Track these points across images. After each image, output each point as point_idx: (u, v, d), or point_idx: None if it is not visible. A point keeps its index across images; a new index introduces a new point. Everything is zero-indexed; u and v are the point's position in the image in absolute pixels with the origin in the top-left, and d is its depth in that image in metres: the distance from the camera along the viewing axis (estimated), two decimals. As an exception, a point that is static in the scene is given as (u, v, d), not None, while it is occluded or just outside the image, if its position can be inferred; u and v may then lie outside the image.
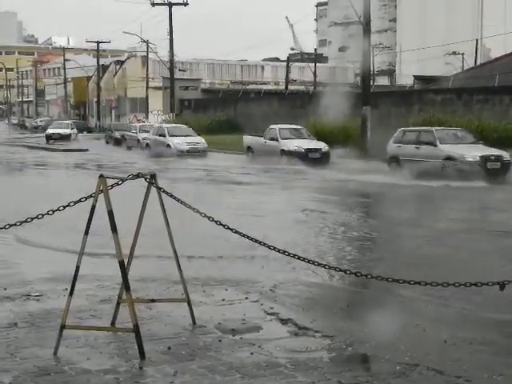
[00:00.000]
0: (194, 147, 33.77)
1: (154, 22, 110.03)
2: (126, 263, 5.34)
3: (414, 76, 52.57)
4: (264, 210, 14.42)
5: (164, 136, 34.81)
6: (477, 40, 61.98)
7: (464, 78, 39.72)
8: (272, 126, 30.54)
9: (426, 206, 16.17)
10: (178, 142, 33.84)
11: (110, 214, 5.16)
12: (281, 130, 29.77)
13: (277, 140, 29.09)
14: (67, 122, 57.62)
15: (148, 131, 39.15)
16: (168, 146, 33.90)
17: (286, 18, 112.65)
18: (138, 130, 41.21)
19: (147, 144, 36.61)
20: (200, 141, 34.46)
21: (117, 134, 45.06)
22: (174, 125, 38.40)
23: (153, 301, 6.39)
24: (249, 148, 31.24)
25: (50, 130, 51.50)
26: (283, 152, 28.30)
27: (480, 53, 61.68)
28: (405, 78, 63.55)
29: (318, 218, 13.61)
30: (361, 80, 29.52)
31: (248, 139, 31.72)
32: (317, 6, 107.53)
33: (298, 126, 30.96)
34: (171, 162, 29.88)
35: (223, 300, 6.86)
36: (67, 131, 51.09)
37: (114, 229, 5.14)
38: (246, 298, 6.97)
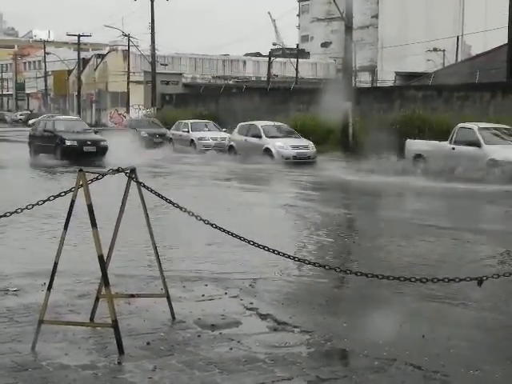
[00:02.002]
0: (303, 152, 26.73)
1: (135, 16, 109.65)
2: (105, 258, 5.33)
3: (395, 72, 52.73)
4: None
5: (259, 137, 27.60)
6: (458, 37, 62.30)
7: (445, 75, 39.92)
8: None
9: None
10: (282, 146, 26.62)
11: (90, 208, 5.14)
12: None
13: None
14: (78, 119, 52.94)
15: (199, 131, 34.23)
16: (267, 150, 26.78)
17: (269, 13, 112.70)
18: (190, 128, 34.41)
19: (231, 147, 29.48)
20: (308, 144, 27.26)
21: (143, 133, 37.06)
22: (269, 122, 29.62)
23: (132, 296, 6.38)
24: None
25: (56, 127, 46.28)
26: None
27: (461, 49, 62.02)
28: (386, 75, 63.74)
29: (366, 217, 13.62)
30: (342, 76, 29.54)
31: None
32: (299, 2, 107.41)
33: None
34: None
35: (203, 295, 6.86)
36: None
37: (93, 223, 5.12)
38: (226, 293, 6.98)
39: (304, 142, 27.36)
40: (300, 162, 25.83)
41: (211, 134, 33.20)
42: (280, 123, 29.58)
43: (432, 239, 10.70)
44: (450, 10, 71.55)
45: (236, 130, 29.81)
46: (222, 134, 32.89)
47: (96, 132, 29.87)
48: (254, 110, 41.59)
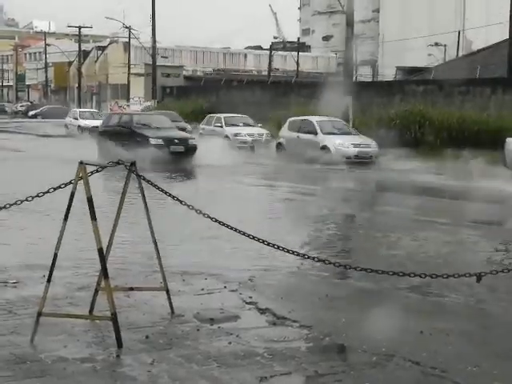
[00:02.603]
0: (365, 151, 24.25)
1: (136, 8, 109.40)
2: (104, 251, 5.32)
3: (396, 67, 52.71)
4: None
5: (314, 133, 25.20)
6: (459, 32, 62.25)
7: (446, 70, 39.88)
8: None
9: None
10: (342, 144, 24.25)
11: (90, 201, 5.14)
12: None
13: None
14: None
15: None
16: (323, 148, 24.43)
17: (270, 6, 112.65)
18: (224, 123, 31.65)
19: (279, 144, 26.87)
20: (370, 142, 24.74)
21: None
22: (324, 117, 26.78)
23: (131, 289, 6.38)
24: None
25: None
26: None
27: (462, 44, 61.97)
28: (387, 69, 63.68)
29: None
30: (343, 70, 29.50)
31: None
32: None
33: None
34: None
35: (202, 289, 6.85)
36: None
37: (93, 216, 5.11)
38: (225, 287, 6.98)
39: (366, 139, 24.84)
40: (362, 161, 23.57)
41: (248, 130, 30.61)
42: (335, 118, 26.78)
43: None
44: (451, 5, 71.44)
45: (285, 125, 27.15)
46: (258, 130, 30.80)
47: (182, 128, 26.54)
48: (255, 103, 41.55)
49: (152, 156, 20.58)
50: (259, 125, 31.68)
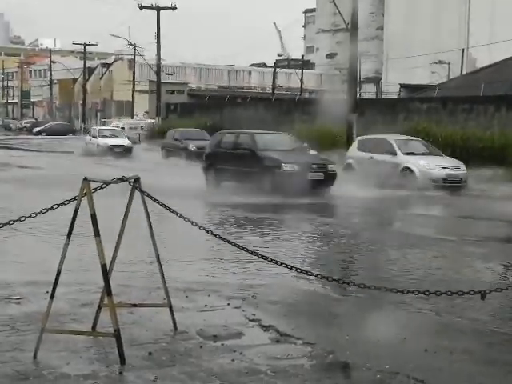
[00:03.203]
0: (454, 174, 21.50)
1: (141, 25, 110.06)
2: (108, 267, 5.33)
3: (400, 84, 52.77)
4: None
5: (392, 154, 22.15)
6: (463, 49, 62.39)
7: (450, 87, 39.94)
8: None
9: None
10: (427, 165, 21.41)
11: (93, 217, 5.15)
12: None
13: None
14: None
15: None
16: (405, 170, 21.49)
17: (274, 23, 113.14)
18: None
19: (348, 166, 23.46)
20: (458, 164, 22.10)
21: (191, 146, 32.83)
22: (401, 136, 24.06)
23: (134, 305, 6.37)
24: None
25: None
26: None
27: (466, 62, 62.09)
28: (391, 86, 63.83)
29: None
30: (347, 87, 29.56)
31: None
32: (305, 13, 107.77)
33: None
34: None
35: (205, 306, 6.84)
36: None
37: (96, 232, 5.12)
38: (228, 304, 6.96)
39: (453, 161, 22.43)
40: (451, 185, 20.96)
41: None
42: (415, 138, 24.20)
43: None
44: (455, 23, 71.68)
45: (354, 144, 24.38)
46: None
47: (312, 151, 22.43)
48: (259, 120, 41.60)
49: (285, 185, 17.41)
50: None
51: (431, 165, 21.34)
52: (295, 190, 17.07)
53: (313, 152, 22.08)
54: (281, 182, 17.84)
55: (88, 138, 40.89)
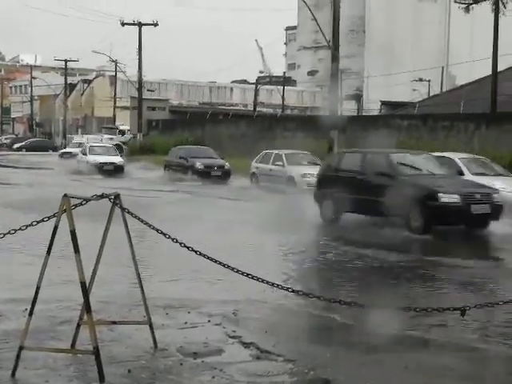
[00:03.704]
0: None
1: (123, 42, 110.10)
2: (88, 284, 5.30)
3: (380, 101, 53.15)
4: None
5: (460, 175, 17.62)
6: (442, 67, 62.99)
7: (430, 105, 40.28)
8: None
9: None
10: (504, 188, 16.68)
11: (73, 234, 5.13)
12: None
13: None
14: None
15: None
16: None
17: (256, 41, 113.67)
18: (286, 162, 26.25)
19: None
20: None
21: (198, 165, 30.65)
22: (463, 154, 20.23)
23: (114, 323, 6.34)
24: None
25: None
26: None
27: (446, 80, 62.68)
28: (372, 104, 64.26)
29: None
30: (329, 104, 29.69)
31: None
32: (286, 30, 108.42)
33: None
34: None
35: (185, 323, 6.82)
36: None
37: (76, 249, 5.10)
38: (209, 320, 6.94)
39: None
40: None
41: (315, 170, 22.80)
42: (479, 156, 20.69)
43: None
44: (435, 41, 72.42)
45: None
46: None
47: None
48: (240, 136, 41.72)
49: (442, 221, 14.35)
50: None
51: (508, 188, 17.15)
52: (455, 226, 14.53)
53: (467, 177, 17.31)
54: (436, 216, 14.14)
55: (80, 156, 38.33)
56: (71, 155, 44.55)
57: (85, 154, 37.13)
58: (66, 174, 33.46)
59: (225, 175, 30.42)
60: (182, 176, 30.50)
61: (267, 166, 27.01)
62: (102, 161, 35.20)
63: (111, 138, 56.47)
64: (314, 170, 22.76)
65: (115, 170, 34.54)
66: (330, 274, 10.33)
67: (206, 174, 29.90)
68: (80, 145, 47.44)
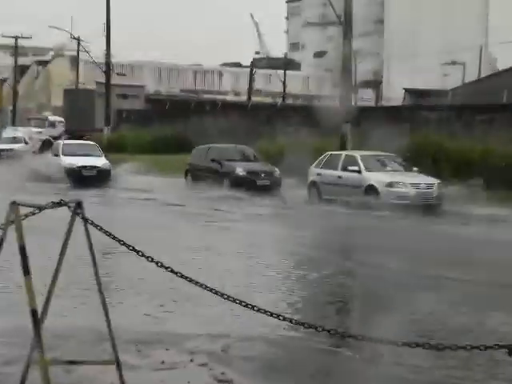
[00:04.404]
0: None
1: (87, 15, 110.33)
2: (40, 312, 5.22)
3: (404, 89, 53.35)
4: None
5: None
6: (481, 47, 63.24)
7: (465, 93, 40.38)
8: None
9: None
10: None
11: (22, 250, 5.05)
12: None
13: None
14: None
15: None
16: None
17: (251, 15, 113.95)
18: (363, 167, 24.26)
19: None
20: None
21: (239, 171, 27.89)
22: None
23: (72, 363, 6.27)
24: None
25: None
26: None
27: (484, 63, 62.90)
28: (394, 92, 64.49)
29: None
30: (340, 93, 29.75)
31: None
32: (288, 2, 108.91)
33: None
34: None
35: (163, 363, 6.78)
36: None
37: (26, 270, 5.03)
38: (192, 360, 6.89)
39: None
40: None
41: (406, 178, 23.58)
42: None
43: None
44: (472, 15, 72.62)
45: None
46: (425, 179, 23.81)
47: None
48: (232, 131, 41.73)
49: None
50: (416, 169, 24.69)
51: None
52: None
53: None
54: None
55: (50, 157, 34.33)
56: (12, 152, 43.42)
57: (57, 154, 33.40)
58: (19, 181, 28.33)
59: (274, 184, 27.86)
60: (214, 186, 27.15)
61: (335, 173, 24.91)
62: (80, 163, 31.34)
63: (39, 132, 56.30)
64: (404, 177, 23.18)
65: (99, 177, 30.83)
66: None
67: (249, 184, 26.97)
68: (15, 139, 47.31)
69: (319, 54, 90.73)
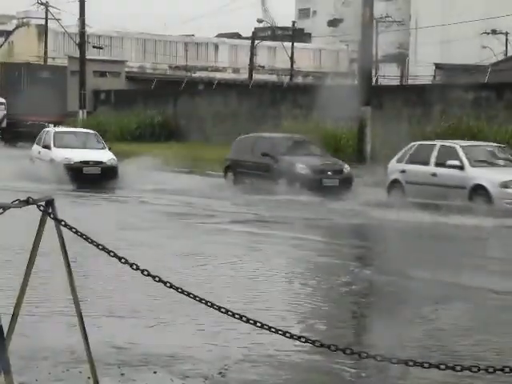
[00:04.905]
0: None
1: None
2: (5, 330, 5.28)
3: (434, 64, 53.30)
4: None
5: None
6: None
7: (508, 69, 40.37)
8: None
9: None
10: None
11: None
12: None
13: None
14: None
15: None
16: None
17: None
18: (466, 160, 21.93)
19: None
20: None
21: (301, 168, 26.32)
22: None
23: (45, 387, 6.32)
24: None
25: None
26: None
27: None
28: (422, 68, 64.38)
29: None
30: (359, 69, 29.77)
31: None
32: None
33: None
34: None
35: (149, 388, 6.81)
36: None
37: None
38: (184, 384, 6.93)
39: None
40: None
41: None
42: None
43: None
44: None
45: None
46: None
47: None
48: (230, 115, 41.74)
49: None
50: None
51: None
52: None
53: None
54: None
55: (36, 148, 32.03)
56: None
57: (47, 146, 30.77)
58: None
59: (344, 184, 26.15)
60: (265, 186, 25.76)
61: (427, 169, 22.95)
62: (79, 159, 28.96)
63: None
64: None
65: (104, 176, 28.43)
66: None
67: (314, 184, 25.55)
68: None
69: (333, 23, 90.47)
